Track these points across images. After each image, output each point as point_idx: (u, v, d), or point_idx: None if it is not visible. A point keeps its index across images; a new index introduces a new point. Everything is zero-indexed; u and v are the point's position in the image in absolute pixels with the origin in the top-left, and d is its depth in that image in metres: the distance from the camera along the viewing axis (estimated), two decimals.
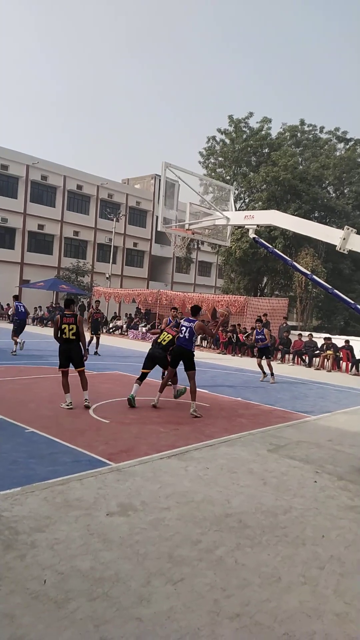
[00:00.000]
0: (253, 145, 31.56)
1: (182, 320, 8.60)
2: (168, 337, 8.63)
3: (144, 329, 24.87)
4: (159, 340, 8.67)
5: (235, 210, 13.88)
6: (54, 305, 32.43)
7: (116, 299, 29.25)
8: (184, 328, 8.12)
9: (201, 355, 18.69)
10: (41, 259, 38.56)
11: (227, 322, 23.34)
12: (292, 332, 19.78)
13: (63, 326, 7.54)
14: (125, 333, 26.12)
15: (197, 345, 22.19)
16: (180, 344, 8.11)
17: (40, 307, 32.03)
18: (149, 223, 46.25)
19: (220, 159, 33.31)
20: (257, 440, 6.52)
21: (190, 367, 7.95)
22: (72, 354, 7.64)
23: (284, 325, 19.73)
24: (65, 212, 39.67)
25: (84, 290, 36.07)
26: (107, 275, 36.71)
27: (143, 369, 8.55)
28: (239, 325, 20.70)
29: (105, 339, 19.28)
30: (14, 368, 11.22)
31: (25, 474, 4.64)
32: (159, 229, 11.52)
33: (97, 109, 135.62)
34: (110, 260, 38.16)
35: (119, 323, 27.87)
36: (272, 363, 13.33)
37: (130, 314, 29.76)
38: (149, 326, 25.26)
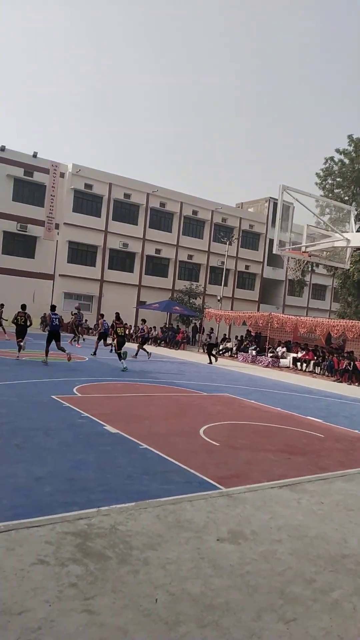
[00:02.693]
0: None
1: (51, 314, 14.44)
2: (122, 330, 14.56)
3: (254, 352, 24.58)
4: (120, 334, 14.36)
5: (356, 231, 13.28)
6: (167, 326, 33.48)
7: (227, 321, 29.34)
8: (55, 318, 14.05)
9: (313, 383, 17.91)
10: (157, 281, 40.25)
11: (343, 347, 22.19)
12: None
13: None
14: (235, 355, 26.05)
15: (311, 372, 21.41)
16: (57, 329, 13.87)
17: (154, 327, 33.30)
18: (262, 246, 46.06)
19: (338, 179, 32.33)
20: None
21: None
22: None
23: None
24: (180, 236, 41.14)
25: (195, 312, 36.81)
26: (219, 298, 37.10)
27: (117, 349, 14.41)
28: (353, 352, 19.55)
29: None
30: (131, 385, 11.75)
31: (139, 490, 4.79)
32: (274, 252, 11.43)
33: (216, 140, 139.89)
34: (222, 283, 38.55)
35: (228, 345, 27.92)
36: None
37: (240, 336, 29.67)
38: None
